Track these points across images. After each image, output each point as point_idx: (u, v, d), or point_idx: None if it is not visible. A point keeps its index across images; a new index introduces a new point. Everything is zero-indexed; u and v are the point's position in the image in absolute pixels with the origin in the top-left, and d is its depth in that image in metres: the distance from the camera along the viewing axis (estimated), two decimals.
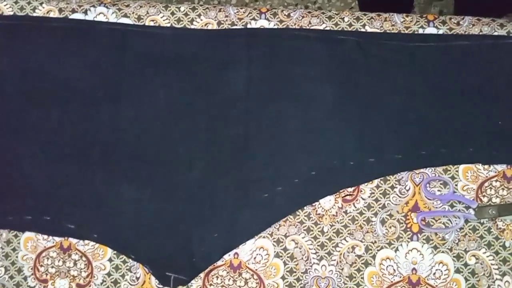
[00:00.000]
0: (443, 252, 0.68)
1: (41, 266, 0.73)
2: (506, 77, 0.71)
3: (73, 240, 0.72)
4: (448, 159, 0.70)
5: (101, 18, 0.79)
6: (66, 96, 0.76)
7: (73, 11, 0.80)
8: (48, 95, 0.76)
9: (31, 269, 0.73)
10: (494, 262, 0.67)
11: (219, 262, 0.70)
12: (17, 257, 0.73)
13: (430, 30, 0.74)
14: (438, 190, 0.70)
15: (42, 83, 0.77)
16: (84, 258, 0.72)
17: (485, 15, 0.75)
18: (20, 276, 0.73)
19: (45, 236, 0.73)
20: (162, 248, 0.70)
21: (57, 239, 0.73)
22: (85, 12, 0.79)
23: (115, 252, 0.72)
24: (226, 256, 0.70)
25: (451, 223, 0.69)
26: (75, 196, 0.72)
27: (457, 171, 0.70)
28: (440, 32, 0.73)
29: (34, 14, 0.80)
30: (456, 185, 0.69)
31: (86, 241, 0.72)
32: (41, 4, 0.80)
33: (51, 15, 0.80)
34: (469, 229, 0.68)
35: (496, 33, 0.72)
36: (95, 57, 0.77)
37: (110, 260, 0.72)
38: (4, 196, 0.74)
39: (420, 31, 0.74)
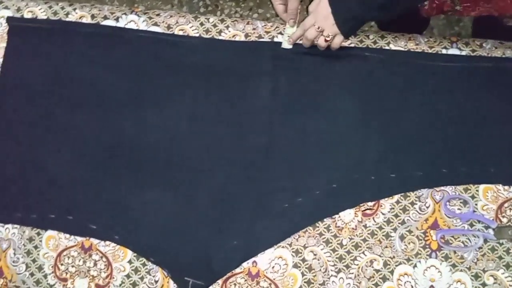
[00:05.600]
0: (461, 270, 0.68)
1: (62, 264, 0.74)
2: None
3: (95, 241, 0.73)
4: (469, 178, 0.70)
5: (131, 26, 0.81)
6: (95, 99, 0.78)
7: (105, 17, 0.82)
8: (77, 98, 0.78)
9: (52, 267, 0.74)
10: None
11: (238, 270, 0.71)
12: (38, 254, 0.74)
13: (453, 51, 0.75)
14: (458, 209, 0.70)
15: (71, 86, 0.79)
16: (104, 259, 0.73)
17: (501, 39, 0.76)
18: (40, 273, 0.74)
19: (67, 235, 0.74)
20: (181, 253, 0.71)
21: (79, 238, 0.74)
22: (117, 19, 0.81)
23: (135, 254, 0.72)
24: (244, 264, 0.71)
25: (470, 242, 0.69)
26: (98, 198, 0.74)
27: (477, 190, 0.70)
28: (463, 53, 0.75)
29: (67, 19, 0.83)
30: (476, 204, 0.70)
31: (107, 242, 0.73)
32: (74, 10, 0.83)
33: (84, 20, 0.82)
34: (488, 249, 0.68)
35: None
36: (125, 63, 0.79)
37: (130, 262, 0.73)
38: (29, 194, 0.75)
39: (443, 51, 0.75)
